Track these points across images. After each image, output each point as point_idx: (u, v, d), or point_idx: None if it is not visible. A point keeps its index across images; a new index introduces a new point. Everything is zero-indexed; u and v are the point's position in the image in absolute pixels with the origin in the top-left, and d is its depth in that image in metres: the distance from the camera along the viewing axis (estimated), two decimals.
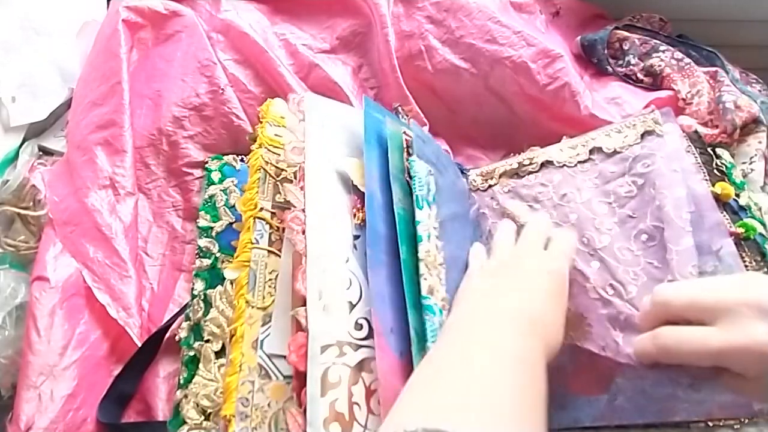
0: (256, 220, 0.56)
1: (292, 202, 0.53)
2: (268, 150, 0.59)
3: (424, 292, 0.48)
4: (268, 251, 0.55)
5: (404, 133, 0.60)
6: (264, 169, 0.58)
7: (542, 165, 0.66)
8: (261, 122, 0.61)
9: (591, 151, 0.65)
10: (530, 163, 0.67)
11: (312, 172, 0.54)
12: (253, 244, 0.55)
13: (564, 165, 0.65)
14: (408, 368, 0.46)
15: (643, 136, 0.63)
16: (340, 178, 0.56)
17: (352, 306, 0.49)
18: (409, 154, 0.58)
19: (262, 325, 0.52)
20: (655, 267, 0.56)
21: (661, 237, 0.56)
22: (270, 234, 0.56)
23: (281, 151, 0.60)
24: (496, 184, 0.68)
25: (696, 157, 0.62)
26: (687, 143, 0.63)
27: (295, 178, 0.58)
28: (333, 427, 0.43)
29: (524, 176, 0.67)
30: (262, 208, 0.57)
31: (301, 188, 0.53)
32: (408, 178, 0.56)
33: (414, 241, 0.52)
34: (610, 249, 0.58)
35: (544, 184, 0.65)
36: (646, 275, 0.56)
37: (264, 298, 0.53)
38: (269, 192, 0.58)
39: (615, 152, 0.63)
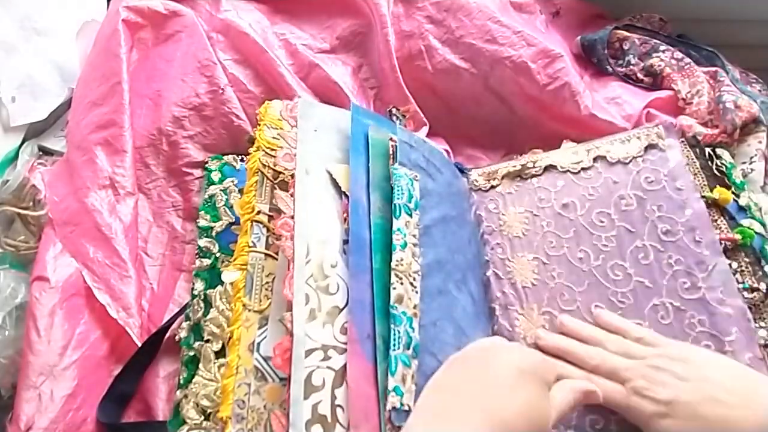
0: (254, 223, 0.56)
1: (282, 208, 0.53)
2: (266, 153, 0.59)
3: (392, 301, 0.49)
4: (265, 254, 0.55)
5: (390, 139, 0.60)
6: (262, 172, 0.58)
7: (545, 169, 0.66)
8: (259, 125, 0.61)
9: (594, 159, 0.65)
10: (533, 166, 0.67)
11: (302, 178, 0.54)
12: (250, 247, 0.55)
13: (567, 171, 0.65)
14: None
15: (646, 149, 0.63)
16: (332, 182, 0.56)
17: (339, 310, 0.49)
18: (395, 161, 0.58)
19: (259, 328, 0.52)
20: (646, 287, 0.57)
21: (656, 257, 0.58)
22: (267, 237, 0.56)
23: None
24: (498, 185, 0.68)
25: (695, 176, 0.63)
26: (687, 160, 0.63)
27: (292, 178, 0.58)
28: (315, 428, 0.44)
29: (527, 179, 0.67)
30: (259, 212, 0.57)
31: (291, 195, 0.53)
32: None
33: (389, 249, 0.52)
34: (603, 268, 0.59)
35: (546, 188, 0.65)
36: (634, 297, 0.57)
37: (261, 301, 0.53)
38: (267, 195, 0.58)
39: (618, 162, 0.64)
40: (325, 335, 0.48)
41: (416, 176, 0.58)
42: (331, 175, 0.57)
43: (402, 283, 0.50)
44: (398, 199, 0.54)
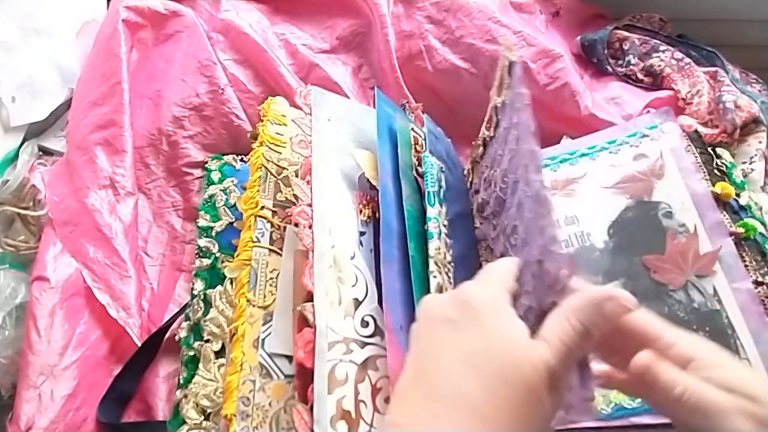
0: (258, 218, 0.56)
1: (299, 196, 0.53)
2: (270, 148, 0.59)
3: (433, 290, 0.48)
4: (270, 250, 0.55)
5: (412, 129, 0.60)
6: (265, 167, 0.58)
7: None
8: (262, 120, 0.61)
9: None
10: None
11: (318, 166, 0.54)
12: (254, 242, 0.54)
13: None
14: None
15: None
16: (345, 173, 0.56)
17: (358, 303, 0.49)
18: (417, 151, 0.58)
19: (263, 324, 0.51)
20: None
21: None
22: (271, 233, 0.56)
23: (282, 148, 0.60)
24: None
25: (696, 157, 0.62)
26: (687, 143, 0.63)
27: (296, 176, 0.57)
28: (340, 425, 0.43)
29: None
30: (263, 207, 0.56)
31: (308, 182, 0.53)
32: (416, 175, 0.56)
33: (422, 238, 0.51)
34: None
35: None
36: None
37: (265, 296, 0.52)
38: (270, 190, 0.58)
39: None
40: (347, 328, 0.47)
41: (442, 167, 0.58)
42: (355, 159, 0.56)
43: (441, 273, 0.50)
44: (431, 187, 0.54)
